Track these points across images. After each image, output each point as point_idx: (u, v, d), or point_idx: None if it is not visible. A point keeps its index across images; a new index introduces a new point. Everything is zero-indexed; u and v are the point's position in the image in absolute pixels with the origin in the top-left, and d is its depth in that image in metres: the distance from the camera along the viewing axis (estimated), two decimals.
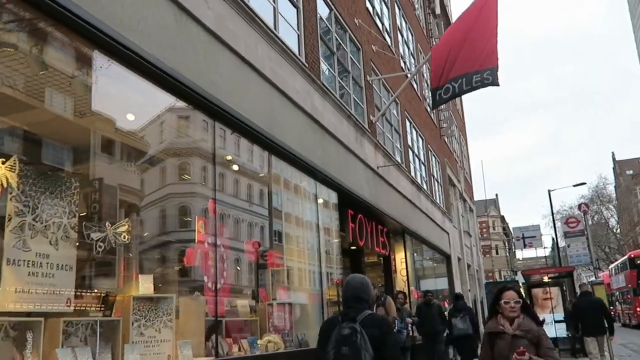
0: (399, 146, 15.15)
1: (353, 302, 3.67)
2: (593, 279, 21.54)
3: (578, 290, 12.21)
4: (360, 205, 10.95)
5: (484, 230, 79.83)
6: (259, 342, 7.14)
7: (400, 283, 14.40)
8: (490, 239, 77.13)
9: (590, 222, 57.68)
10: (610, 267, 32.55)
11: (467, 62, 11.21)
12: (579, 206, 26.82)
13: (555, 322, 17.98)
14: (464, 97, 30.89)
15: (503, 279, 46.32)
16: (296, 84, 8.26)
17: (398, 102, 15.46)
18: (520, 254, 61.33)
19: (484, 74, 10.81)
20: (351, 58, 11.65)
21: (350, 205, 10.61)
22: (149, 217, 6.71)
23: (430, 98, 13.71)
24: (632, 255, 28.02)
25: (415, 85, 18.54)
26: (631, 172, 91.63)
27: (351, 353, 3.38)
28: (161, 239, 6.96)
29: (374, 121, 12.37)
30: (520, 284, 27.37)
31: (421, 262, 18.11)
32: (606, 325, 10.31)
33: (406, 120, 16.16)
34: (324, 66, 9.84)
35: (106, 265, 5.56)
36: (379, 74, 13.11)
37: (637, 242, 63.39)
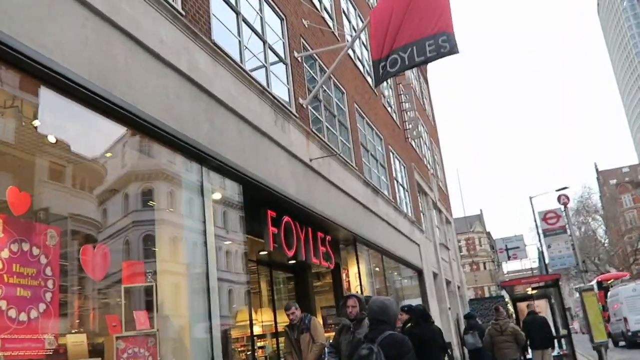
0: (346, 142, 12.95)
1: (374, 324, 4.02)
2: (582, 285, 19.18)
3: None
4: (285, 205, 8.69)
5: (470, 247, 77.74)
6: None
7: None
8: (477, 256, 74.98)
9: (577, 234, 55.59)
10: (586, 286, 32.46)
11: (417, 27, 9.14)
12: (559, 198, 24.16)
13: None
14: (434, 98, 28.82)
15: (489, 295, 43.87)
16: (161, 31, 6.03)
17: (344, 91, 13.33)
18: (506, 267, 58.98)
19: (439, 40, 8.79)
20: (269, 26, 9.49)
21: (269, 205, 8.34)
22: None
23: (374, 74, 11.70)
24: (599, 279, 33.03)
25: (369, 80, 16.45)
26: (615, 181, 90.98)
27: None
28: None
29: (304, 105, 10.17)
30: (506, 300, 25.12)
31: (384, 278, 15.77)
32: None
33: (356, 113, 14.00)
34: (219, 25, 7.64)
35: None
36: (309, 49, 10.96)
37: (625, 251, 61.62)
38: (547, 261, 28.23)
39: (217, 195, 6.92)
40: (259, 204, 8.22)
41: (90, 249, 5.41)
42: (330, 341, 6.48)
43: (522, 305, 18.63)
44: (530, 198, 27.08)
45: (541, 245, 27.89)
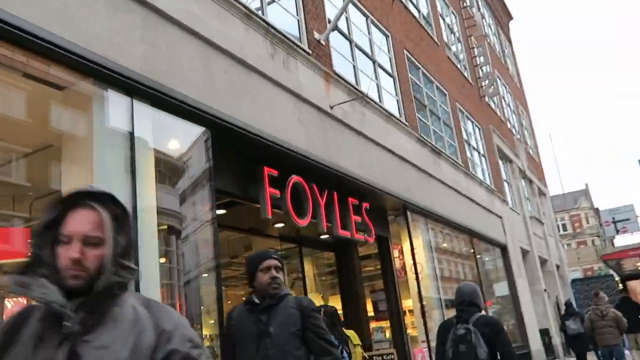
0: (392, 93, 10.76)
1: (467, 306, 4.09)
2: None
3: None
4: (292, 162, 6.78)
5: (576, 225, 71.73)
6: None
7: (414, 286, 9.90)
8: (584, 234, 68.92)
9: None
10: None
11: None
12: None
13: None
14: (526, 62, 25.75)
15: (596, 274, 39.37)
16: None
17: (389, 34, 11.13)
18: (617, 243, 53.13)
19: None
20: None
21: (267, 160, 6.45)
22: None
23: None
24: None
25: (430, 30, 14.06)
26: None
27: (468, 350, 3.81)
28: None
29: (321, 40, 8.16)
30: (615, 279, 21.64)
31: (474, 259, 13.40)
32: None
33: (407, 62, 11.74)
34: None
35: None
36: None
37: None
38: None
39: (162, 144, 5.13)
40: (253, 159, 6.36)
41: None
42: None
43: (634, 284, 15.59)
44: None
45: None
